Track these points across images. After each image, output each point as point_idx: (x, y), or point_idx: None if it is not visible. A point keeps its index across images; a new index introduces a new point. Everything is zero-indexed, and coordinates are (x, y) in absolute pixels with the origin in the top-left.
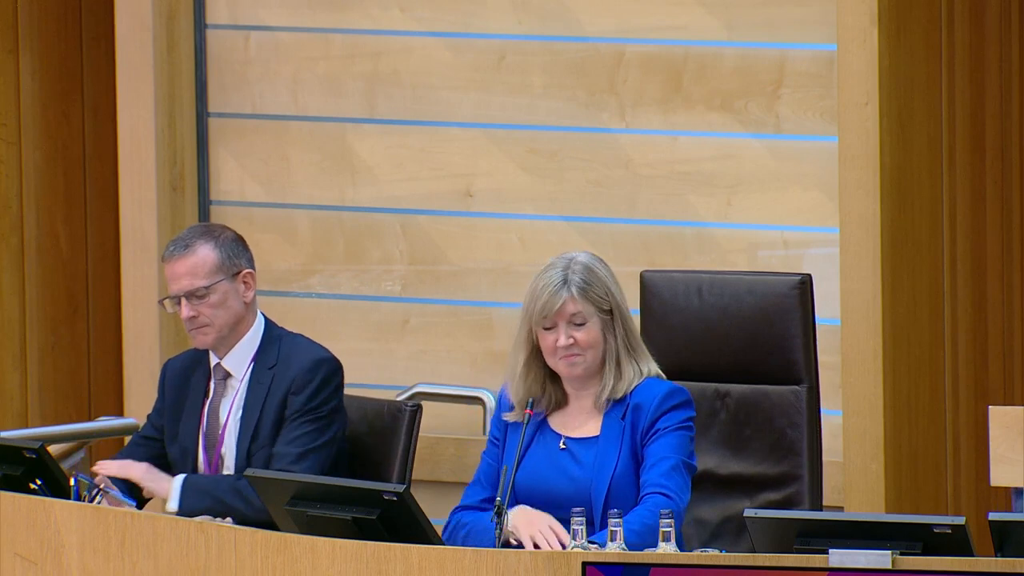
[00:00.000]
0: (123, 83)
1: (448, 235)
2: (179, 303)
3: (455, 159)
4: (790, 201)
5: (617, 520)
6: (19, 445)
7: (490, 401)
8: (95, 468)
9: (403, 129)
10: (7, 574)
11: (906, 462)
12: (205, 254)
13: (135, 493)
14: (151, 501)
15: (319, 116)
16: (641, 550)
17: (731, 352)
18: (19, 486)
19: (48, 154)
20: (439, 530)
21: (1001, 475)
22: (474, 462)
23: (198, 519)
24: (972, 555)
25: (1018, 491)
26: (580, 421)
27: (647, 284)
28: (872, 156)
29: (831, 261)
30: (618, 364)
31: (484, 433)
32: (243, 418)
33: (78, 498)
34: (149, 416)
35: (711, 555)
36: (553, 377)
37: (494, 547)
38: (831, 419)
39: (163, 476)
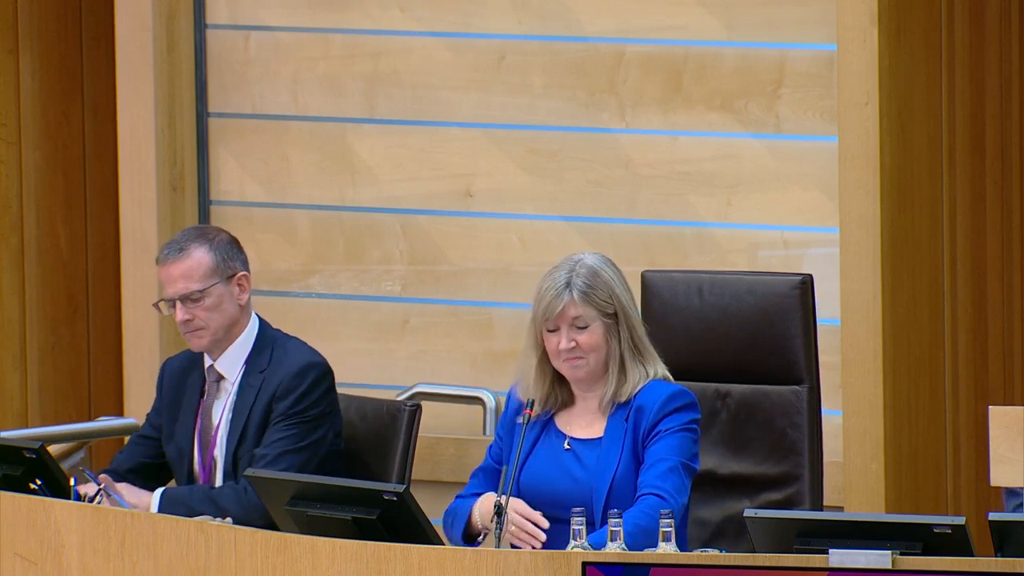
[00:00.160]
0: (123, 83)
1: (448, 235)
2: (174, 306)
3: (455, 159)
4: (790, 201)
5: (617, 520)
6: (19, 445)
7: (490, 401)
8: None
9: (403, 129)
10: (7, 574)
11: (906, 462)
12: (200, 257)
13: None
14: None
15: (319, 116)
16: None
17: (731, 352)
18: (19, 486)
19: (48, 154)
20: (439, 530)
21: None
22: (474, 462)
23: (198, 519)
24: (972, 555)
25: (1008, 490)
26: (585, 422)
27: (647, 284)
28: (872, 156)
29: (831, 261)
30: (622, 367)
31: (484, 433)
32: (232, 420)
33: (78, 498)
34: (148, 415)
35: (711, 555)
36: (560, 378)
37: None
38: (831, 419)
39: (143, 491)
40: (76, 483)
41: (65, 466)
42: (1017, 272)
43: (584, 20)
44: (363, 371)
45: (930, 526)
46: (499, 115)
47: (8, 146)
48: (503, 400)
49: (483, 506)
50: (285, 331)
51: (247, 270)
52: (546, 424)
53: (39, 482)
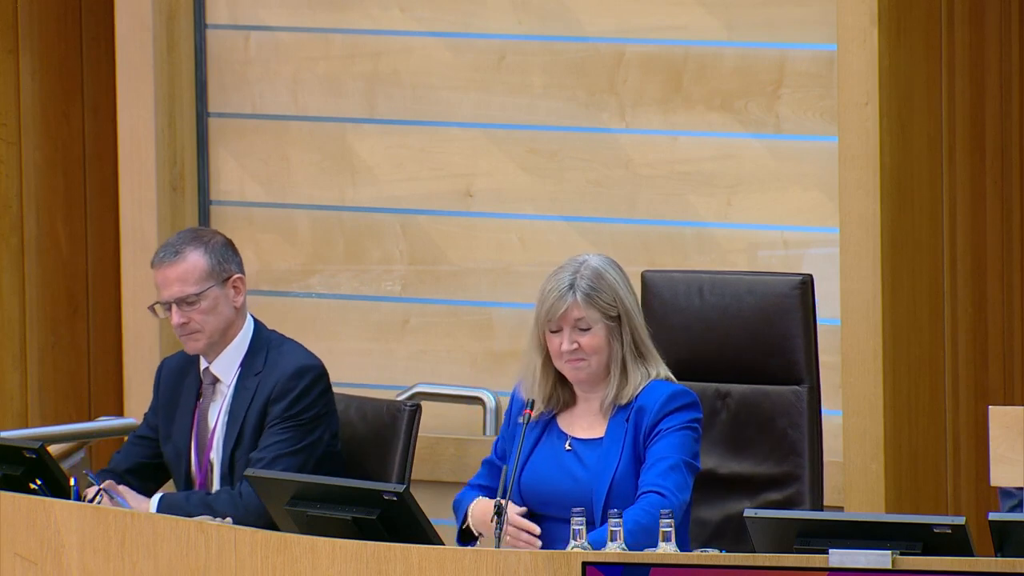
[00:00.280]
0: (123, 83)
1: (448, 235)
2: (169, 309)
3: (455, 159)
4: (790, 201)
5: (617, 520)
6: (19, 445)
7: (490, 401)
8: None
9: (403, 129)
10: (7, 574)
11: (906, 462)
12: (195, 260)
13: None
14: None
15: (319, 116)
16: (634, 549)
17: (732, 352)
18: (19, 486)
19: (48, 154)
20: (439, 530)
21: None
22: (474, 462)
23: (198, 519)
24: (972, 555)
25: (1003, 491)
26: (587, 423)
27: (648, 284)
28: (872, 156)
29: (831, 261)
30: (624, 370)
31: (484, 433)
32: (228, 423)
33: (78, 498)
34: (145, 415)
35: (711, 555)
36: (563, 378)
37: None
38: (831, 419)
39: (142, 498)
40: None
41: (65, 466)
42: (1017, 272)
43: (584, 20)
44: (363, 371)
45: (930, 526)
46: (499, 115)
47: (8, 146)
48: (503, 400)
49: (476, 510)
50: (285, 331)
51: (242, 272)
52: (548, 424)
53: (39, 482)
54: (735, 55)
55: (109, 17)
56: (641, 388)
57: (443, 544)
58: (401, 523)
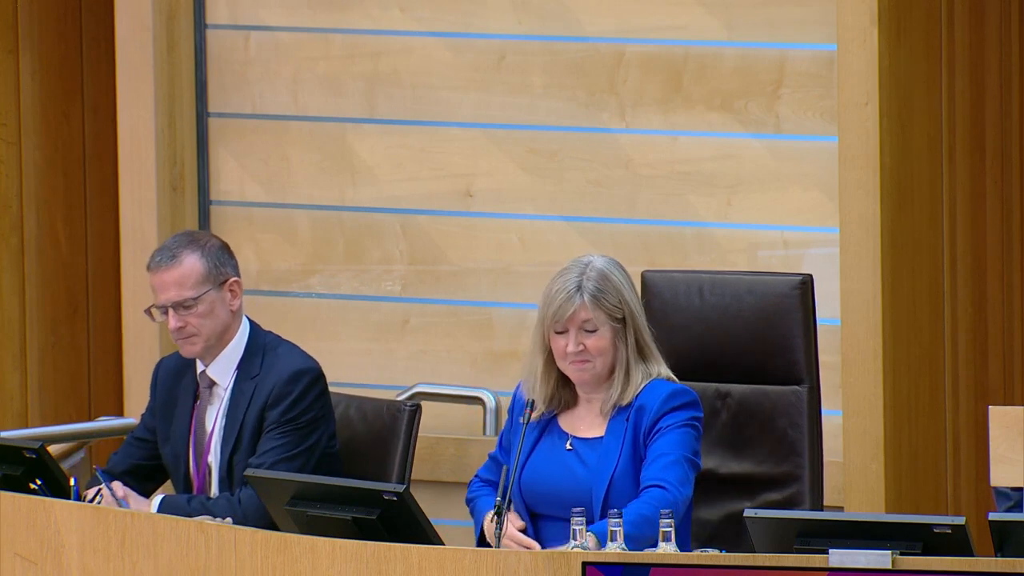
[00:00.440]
0: (123, 83)
1: (448, 235)
2: (166, 313)
3: (455, 159)
4: (790, 201)
5: (617, 520)
6: (19, 445)
7: (490, 401)
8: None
9: (403, 129)
10: (7, 574)
11: (906, 462)
12: (192, 264)
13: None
14: None
15: (319, 116)
16: (637, 541)
17: (732, 352)
18: (19, 486)
19: (48, 154)
20: (439, 530)
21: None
22: (474, 462)
23: (198, 519)
24: (972, 555)
25: (998, 492)
26: (588, 423)
27: (648, 284)
28: (872, 156)
29: (831, 261)
30: (627, 372)
31: (484, 433)
32: (226, 427)
33: (78, 498)
34: (142, 416)
35: (711, 555)
36: (565, 379)
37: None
38: (831, 419)
39: (142, 499)
40: (89, 484)
41: (65, 466)
42: (1017, 272)
43: (584, 20)
44: (363, 371)
45: (930, 526)
46: (499, 115)
47: (8, 146)
48: (503, 400)
49: (487, 524)
50: (285, 331)
51: (238, 275)
52: (548, 424)
53: (39, 482)
54: (735, 55)
55: (109, 17)
56: (642, 387)
57: (443, 544)
58: (401, 523)
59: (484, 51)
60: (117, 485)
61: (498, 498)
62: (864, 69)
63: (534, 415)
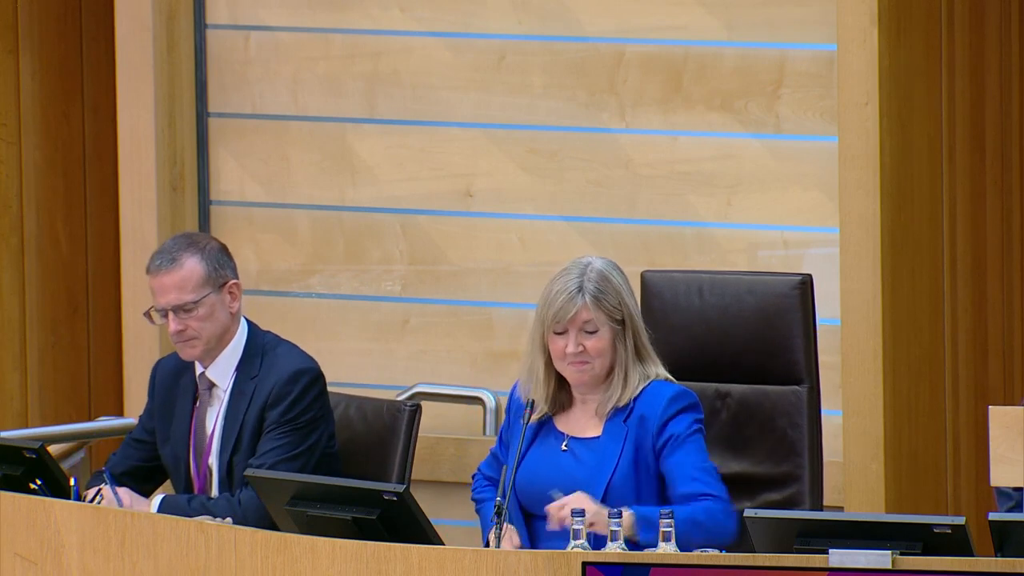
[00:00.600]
0: (123, 83)
1: (448, 235)
2: (165, 316)
3: (455, 159)
4: (790, 201)
5: (617, 520)
6: (19, 445)
7: (490, 401)
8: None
9: (403, 129)
10: (7, 574)
11: (906, 462)
12: (192, 267)
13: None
14: None
15: (319, 116)
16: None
17: (732, 352)
18: (19, 486)
19: (48, 154)
20: (439, 529)
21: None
22: (474, 462)
23: (198, 519)
24: (972, 555)
25: (999, 492)
26: (584, 423)
27: (647, 284)
28: (872, 156)
29: (831, 261)
30: (626, 373)
31: (484, 433)
32: (226, 428)
33: (78, 498)
34: (140, 418)
35: (711, 555)
36: (561, 380)
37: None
38: (831, 419)
39: (142, 500)
40: (89, 484)
41: (65, 466)
42: (1017, 272)
43: (584, 20)
44: (363, 371)
45: (930, 526)
46: (499, 115)
47: (8, 146)
48: (503, 400)
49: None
50: (285, 331)
51: (237, 278)
52: (544, 425)
53: (39, 482)
54: (735, 55)
55: (109, 17)
56: (640, 389)
57: (443, 544)
58: (401, 523)
59: (484, 51)
60: (124, 492)
61: (498, 498)
62: (864, 69)
63: (534, 415)
